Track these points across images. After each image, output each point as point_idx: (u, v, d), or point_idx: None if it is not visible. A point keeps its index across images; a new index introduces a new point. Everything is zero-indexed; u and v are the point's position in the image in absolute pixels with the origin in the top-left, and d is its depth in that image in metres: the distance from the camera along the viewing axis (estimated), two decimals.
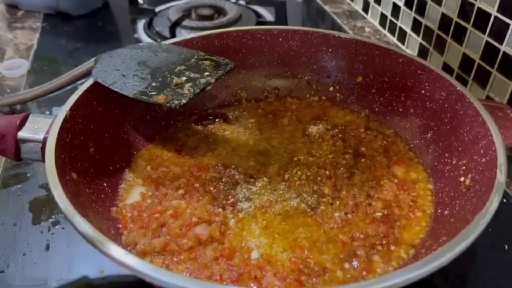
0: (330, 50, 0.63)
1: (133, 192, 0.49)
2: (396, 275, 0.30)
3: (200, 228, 0.43)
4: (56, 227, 0.48)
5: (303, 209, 0.47)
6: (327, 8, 1.07)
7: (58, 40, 0.92)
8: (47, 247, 0.46)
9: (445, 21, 0.72)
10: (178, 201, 0.46)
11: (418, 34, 0.81)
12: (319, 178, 0.50)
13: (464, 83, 0.68)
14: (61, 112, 0.44)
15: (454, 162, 0.47)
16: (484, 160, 0.42)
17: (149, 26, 0.93)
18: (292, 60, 0.64)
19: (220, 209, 0.46)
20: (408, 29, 0.84)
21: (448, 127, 0.51)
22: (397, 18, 0.88)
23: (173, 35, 0.86)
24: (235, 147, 0.56)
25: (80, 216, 0.34)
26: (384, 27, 0.94)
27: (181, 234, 0.43)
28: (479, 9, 0.64)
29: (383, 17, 0.93)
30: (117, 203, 0.47)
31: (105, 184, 0.47)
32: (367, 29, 0.96)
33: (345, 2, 1.10)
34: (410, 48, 0.84)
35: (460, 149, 0.47)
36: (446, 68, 0.73)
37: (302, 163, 0.53)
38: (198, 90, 0.48)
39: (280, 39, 0.63)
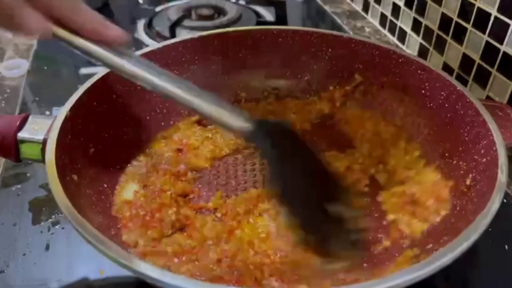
0: (330, 50, 0.62)
1: (134, 192, 0.48)
2: (396, 276, 0.30)
3: (201, 229, 0.43)
4: (56, 227, 0.48)
5: None
6: (327, 8, 1.07)
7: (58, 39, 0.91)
8: (47, 247, 0.46)
9: (445, 21, 0.72)
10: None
11: (418, 34, 0.81)
12: None
13: (464, 83, 0.68)
14: (61, 113, 0.44)
15: (454, 162, 0.47)
16: (484, 160, 0.42)
17: (149, 26, 0.93)
18: (292, 60, 0.64)
19: (220, 209, 0.46)
20: (408, 29, 0.84)
21: (448, 127, 0.50)
22: (397, 18, 0.87)
23: (173, 35, 0.86)
24: (235, 147, 0.55)
25: (80, 216, 0.34)
26: (384, 27, 0.94)
27: None
28: (479, 9, 0.64)
29: (383, 17, 0.93)
30: (117, 203, 0.47)
31: (105, 185, 0.47)
32: (367, 29, 0.96)
33: (345, 2, 1.10)
34: (410, 48, 0.84)
35: (460, 149, 0.47)
36: (446, 68, 0.73)
37: None
38: None
39: (280, 39, 0.63)
